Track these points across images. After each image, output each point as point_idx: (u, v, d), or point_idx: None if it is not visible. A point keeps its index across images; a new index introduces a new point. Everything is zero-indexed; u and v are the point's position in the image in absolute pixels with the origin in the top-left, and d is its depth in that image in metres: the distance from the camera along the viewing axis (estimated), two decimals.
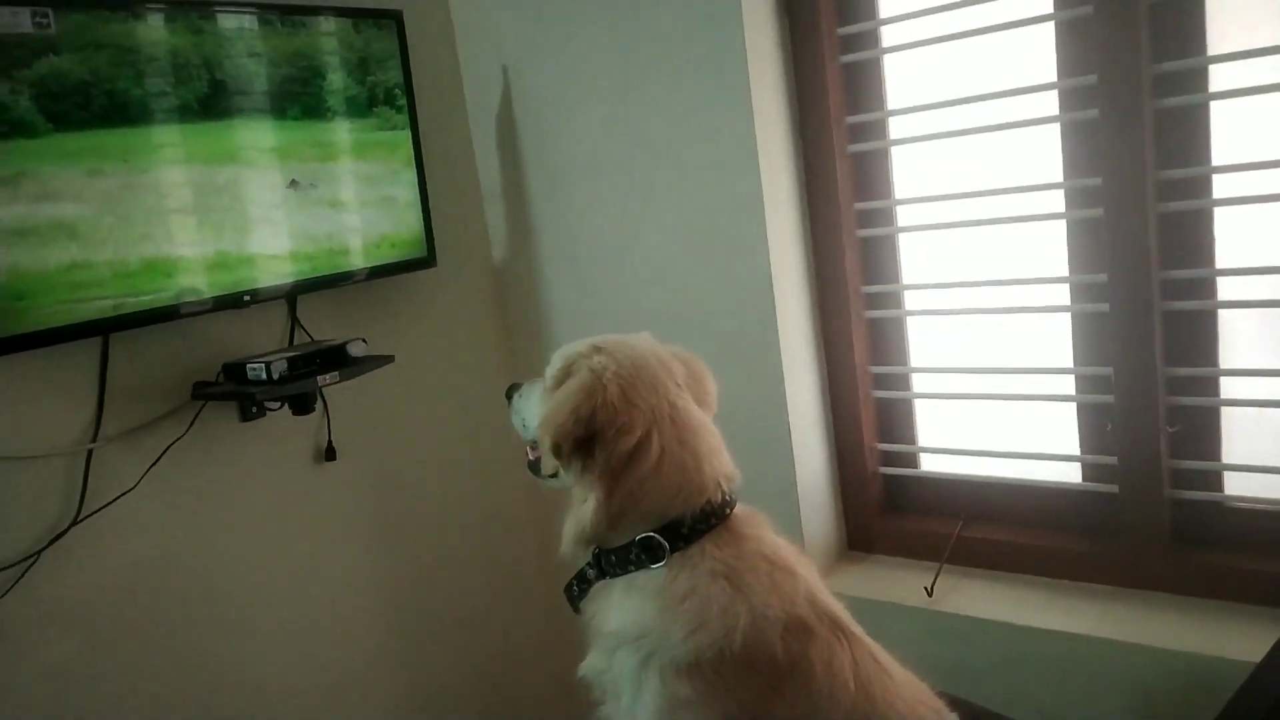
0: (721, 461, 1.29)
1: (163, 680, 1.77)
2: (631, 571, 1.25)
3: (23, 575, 1.59)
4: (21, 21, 1.48)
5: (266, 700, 1.93)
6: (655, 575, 1.22)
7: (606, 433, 1.22)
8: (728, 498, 1.27)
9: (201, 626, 1.83)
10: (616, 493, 1.23)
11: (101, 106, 1.58)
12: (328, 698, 2.04)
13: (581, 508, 1.26)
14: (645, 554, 1.23)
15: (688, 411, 1.28)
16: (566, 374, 1.28)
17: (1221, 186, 1.63)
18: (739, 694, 1.16)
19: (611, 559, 1.27)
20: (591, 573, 1.31)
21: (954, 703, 1.31)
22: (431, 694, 2.23)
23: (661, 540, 1.22)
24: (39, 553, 1.61)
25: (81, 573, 1.66)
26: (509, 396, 1.50)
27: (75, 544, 1.65)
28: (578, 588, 1.35)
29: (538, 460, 1.40)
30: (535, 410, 1.37)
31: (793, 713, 1.16)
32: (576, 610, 1.37)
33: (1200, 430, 1.73)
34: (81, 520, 1.65)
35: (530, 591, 2.41)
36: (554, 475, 1.33)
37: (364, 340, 1.89)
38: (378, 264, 2.00)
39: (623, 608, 1.25)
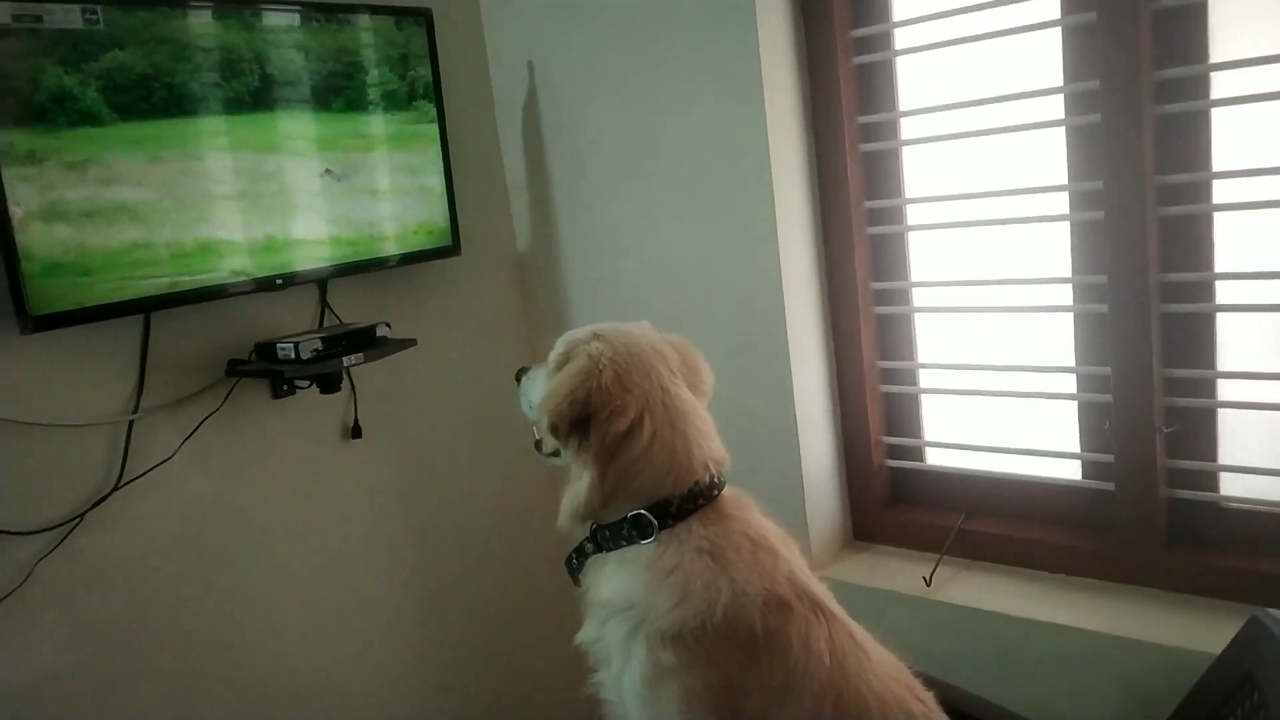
0: (711, 445, 1.36)
1: (193, 637, 1.89)
2: (623, 546, 1.32)
3: (67, 535, 1.71)
4: (73, 18, 1.58)
5: (290, 660, 2.04)
6: (644, 550, 1.30)
7: (600, 415, 1.30)
8: (716, 480, 1.34)
9: (231, 589, 1.94)
10: (609, 471, 1.31)
11: (161, 98, 1.69)
12: (348, 660, 2.14)
13: (577, 484, 1.34)
14: (636, 530, 1.31)
15: (680, 397, 1.35)
16: (566, 359, 1.37)
17: (1221, 192, 1.66)
18: (719, 663, 1.23)
19: (606, 534, 1.34)
20: (589, 547, 1.39)
21: (930, 683, 1.37)
22: (446, 661, 2.33)
23: (650, 518, 1.30)
24: (82, 515, 1.72)
25: (121, 535, 1.78)
26: (518, 379, 1.58)
27: (116, 508, 1.76)
28: (576, 561, 1.43)
29: (541, 440, 1.48)
30: (538, 392, 1.45)
31: (769, 683, 1.23)
32: (576, 583, 1.45)
33: (1196, 431, 1.76)
34: (122, 486, 1.77)
35: (542, 566, 2.50)
36: (555, 454, 1.41)
37: (388, 324, 1.98)
38: (405, 252, 2.10)
39: (614, 580, 1.33)
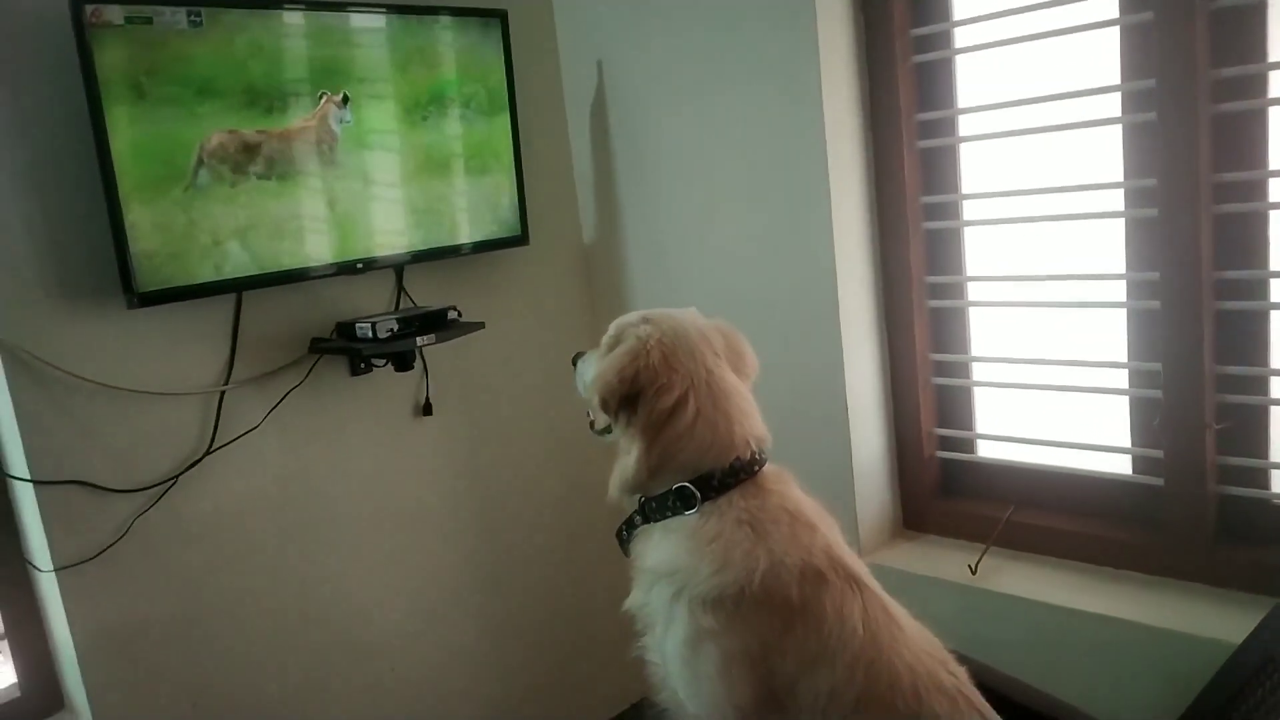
0: (753, 424, 1.43)
1: (273, 592, 2.03)
2: (669, 517, 1.40)
3: (163, 495, 1.86)
4: (179, 19, 1.72)
5: (360, 620, 2.18)
6: (688, 520, 1.37)
7: (648, 392, 1.38)
8: (757, 456, 1.41)
9: (310, 550, 2.08)
10: (655, 446, 1.39)
11: (259, 99, 1.83)
12: (416, 623, 2.28)
13: (625, 458, 1.43)
14: (680, 501, 1.38)
15: (723, 378, 1.42)
16: (617, 341, 1.45)
17: (1278, 190, 1.67)
18: (756, 628, 1.29)
19: (653, 505, 1.42)
20: (638, 518, 1.47)
21: (963, 660, 1.41)
22: (505, 628, 2.45)
23: (694, 490, 1.37)
24: (177, 476, 1.87)
25: (211, 496, 1.93)
26: (574, 363, 1.67)
27: (207, 471, 1.91)
28: (626, 532, 1.51)
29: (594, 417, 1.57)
30: (592, 373, 1.54)
31: (803, 649, 1.29)
32: (626, 553, 1.53)
33: (1248, 428, 1.76)
34: (213, 451, 1.92)
35: (597, 539, 2.59)
36: (606, 430, 1.50)
37: (457, 308, 2.10)
38: (477, 240, 2.21)
39: (660, 547, 1.40)
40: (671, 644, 1.37)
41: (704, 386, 1.39)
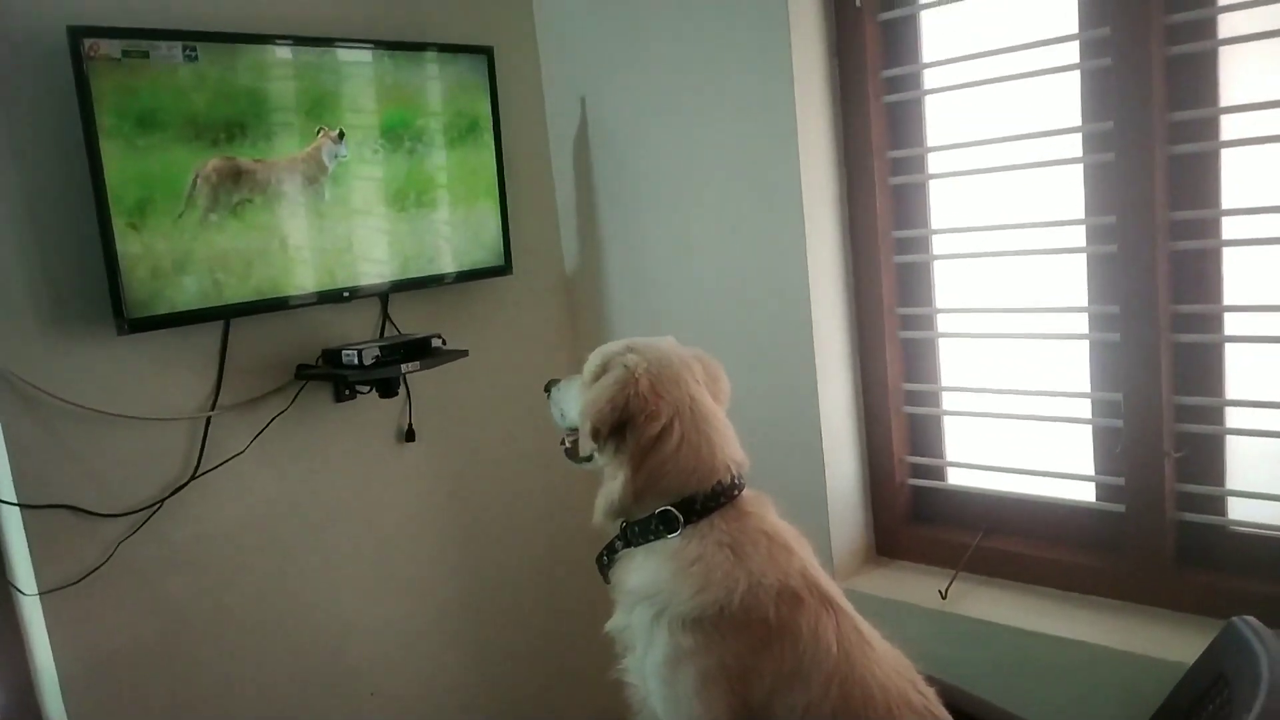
0: (732, 449, 1.48)
1: (256, 617, 2.05)
2: (651, 540, 1.44)
3: (148, 519, 1.88)
4: (175, 54, 1.77)
5: (344, 643, 2.20)
6: (670, 543, 1.42)
7: (637, 419, 1.42)
8: (736, 480, 1.46)
9: (293, 575, 2.10)
10: (641, 471, 1.43)
11: (251, 130, 1.87)
12: (401, 642, 2.30)
13: (612, 484, 1.47)
14: (663, 525, 1.43)
15: (705, 404, 1.48)
16: (604, 369, 1.49)
17: (1230, 228, 1.75)
18: (734, 647, 1.34)
19: (635, 529, 1.47)
20: (619, 543, 1.51)
21: (930, 680, 1.46)
22: (486, 652, 2.48)
23: (676, 513, 1.42)
24: (162, 501, 1.90)
25: (196, 520, 1.95)
26: (548, 391, 1.71)
27: (193, 496, 1.94)
28: (607, 558, 1.55)
29: (573, 446, 1.61)
30: (572, 401, 1.59)
31: (780, 667, 1.34)
32: (606, 580, 1.56)
33: (1205, 456, 1.83)
34: (199, 476, 1.94)
35: (575, 565, 2.63)
36: (588, 459, 1.54)
37: (441, 336, 2.14)
38: (461, 270, 2.26)
39: (642, 569, 1.44)
40: (651, 663, 1.40)
41: (688, 413, 1.44)
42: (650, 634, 1.41)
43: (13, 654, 1.84)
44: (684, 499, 1.43)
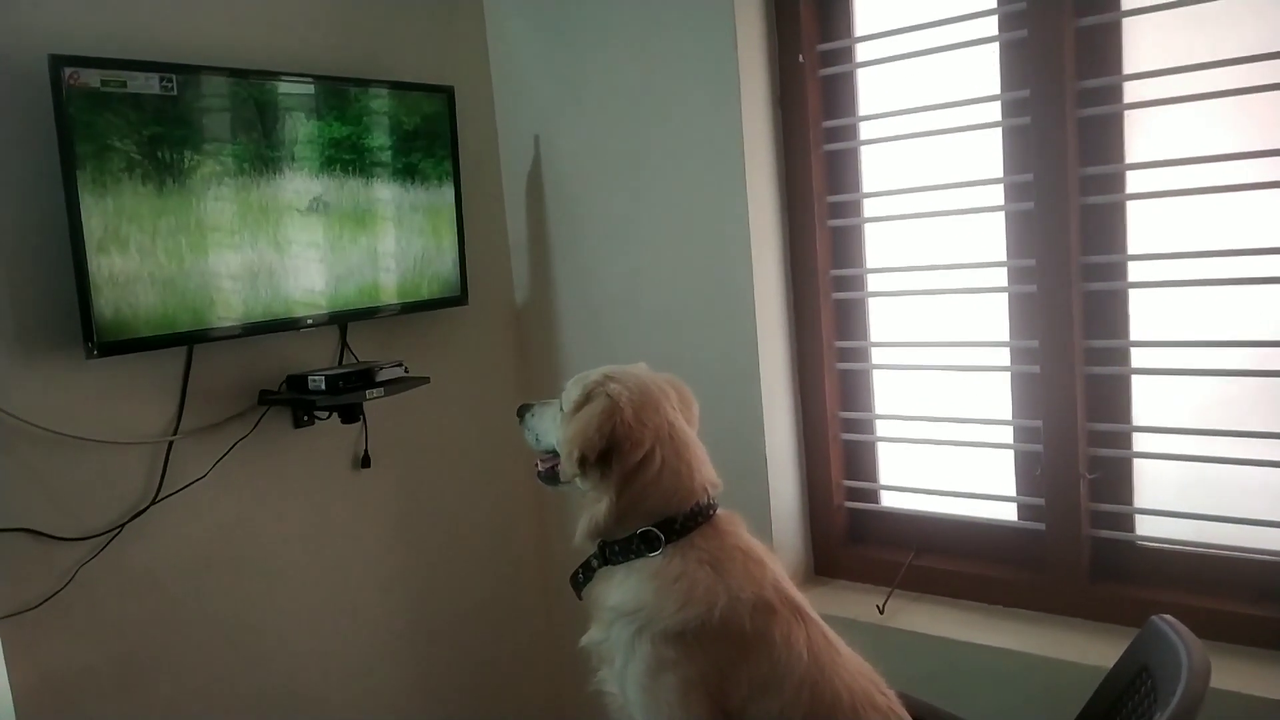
0: (708, 471, 1.57)
1: (214, 642, 2.04)
2: (632, 559, 1.51)
3: (108, 544, 1.87)
4: (151, 84, 1.79)
5: (299, 668, 2.20)
6: (652, 561, 1.49)
7: (623, 447, 1.49)
8: (712, 501, 1.55)
9: (249, 600, 2.10)
10: (625, 495, 1.50)
11: (210, 168, 1.89)
12: (353, 668, 2.31)
13: (596, 507, 1.52)
14: (644, 544, 1.50)
15: (682, 429, 1.57)
16: (586, 398, 1.55)
17: (1135, 271, 1.95)
18: (713, 657, 1.42)
19: (615, 548, 1.53)
20: (595, 562, 1.57)
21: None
22: (440, 674, 2.50)
23: (658, 533, 1.49)
24: (122, 525, 1.89)
25: (156, 545, 1.94)
26: (520, 416, 1.76)
27: (153, 520, 1.93)
28: (583, 576, 1.60)
29: (548, 470, 1.68)
30: (550, 428, 1.65)
31: (755, 674, 1.42)
32: (580, 596, 1.62)
33: (1115, 478, 2.02)
34: (160, 500, 1.94)
35: (528, 588, 2.70)
36: (563, 482, 1.61)
37: (402, 363, 2.19)
38: (416, 300, 2.31)
39: (624, 587, 1.50)
40: (633, 674, 1.46)
41: (668, 439, 1.52)
42: (630, 648, 1.46)
43: None
44: (665, 519, 1.50)
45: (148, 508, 1.91)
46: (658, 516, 1.50)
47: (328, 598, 2.25)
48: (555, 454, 1.63)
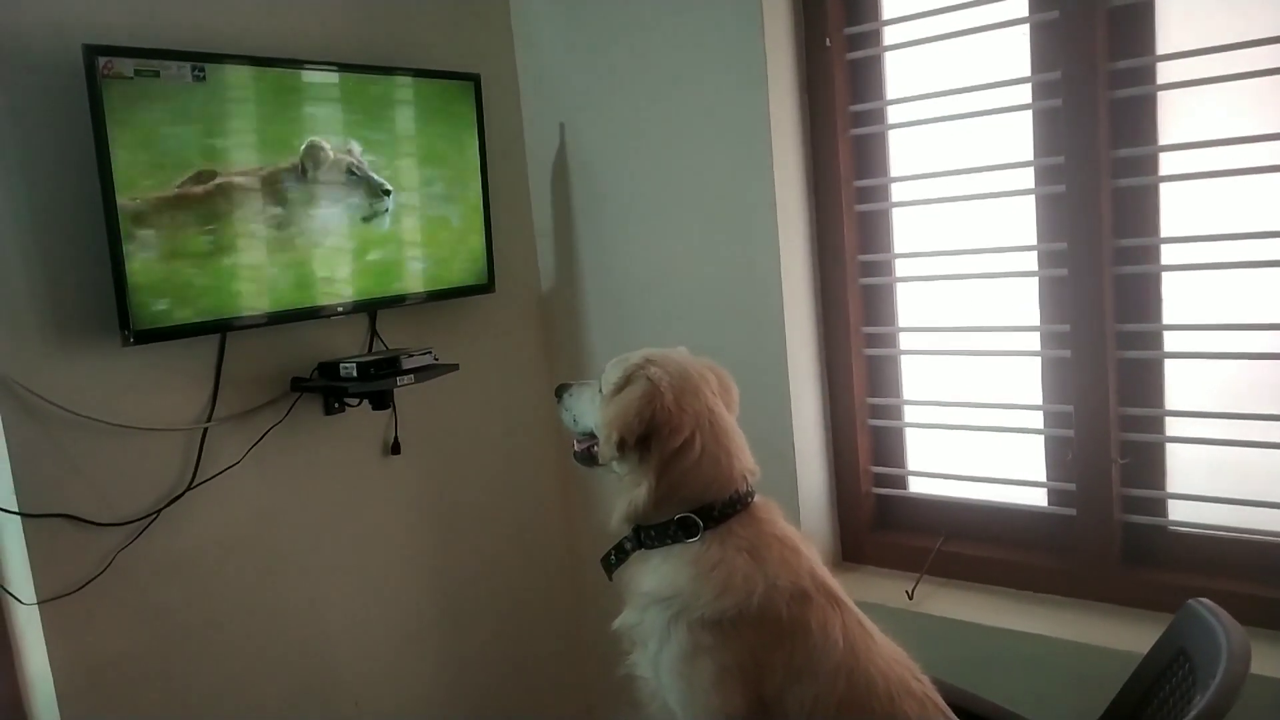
0: (746, 458, 1.57)
1: (247, 627, 2.07)
2: (669, 544, 1.51)
3: (145, 529, 1.89)
4: (184, 73, 1.80)
5: (332, 648, 2.22)
6: (689, 547, 1.49)
7: (662, 432, 1.49)
8: (750, 488, 1.55)
9: (281, 585, 2.12)
10: (664, 480, 1.50)
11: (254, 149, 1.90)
12: (383, 651, 2.33)
13: (635, 491, 1.52)
14: (682, 530, 1.50)
15: (722, 415, 1.56)
16: (626, 381, 1.54)
17: (1169, 254, 1.93)
18: (750, 644, 1.42)
19: (651, 533, 1.53)
20: (630, 545, 1.57)
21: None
22: (465, 662, 2.52)
23: (697, 520, 1.49)
24: (159, 511, 1.91)
25: (192, 530, 1.96)
26: (559, 395, 1.76)
27: (188, 506, 1.95)
28: (615, 558, 1.60)
29: (585, 450, 1.68)
30: (588, 409, 1.65)
31: (792, 662, 1.43)
32: (610, 578, 1.63)
33: (1147, 463, 2.00)
34: (195, 487, 1.96)
35: (556, 573, 2.72)
36: (603, 464, 1.61)
37: (431, 350, 2.20)
38: (444, 288, 2.32)
39: (659, 572, 1.51)
40: (667, 659, 1.47)
41: (707, 425, 1.52)
42: (666, 633, 1.47)
43: (2, 663, 1.81)
44: (703, 506, 1.50)
45: (183, 494, 1.93)
46: (696, 503, 1.50)
47: (359, 582, 2.27)
48: (593, 435, 1.64)
